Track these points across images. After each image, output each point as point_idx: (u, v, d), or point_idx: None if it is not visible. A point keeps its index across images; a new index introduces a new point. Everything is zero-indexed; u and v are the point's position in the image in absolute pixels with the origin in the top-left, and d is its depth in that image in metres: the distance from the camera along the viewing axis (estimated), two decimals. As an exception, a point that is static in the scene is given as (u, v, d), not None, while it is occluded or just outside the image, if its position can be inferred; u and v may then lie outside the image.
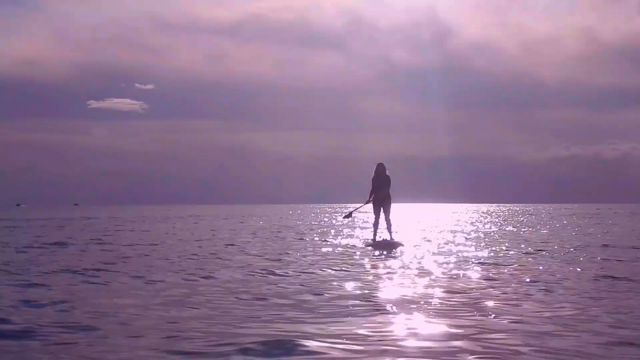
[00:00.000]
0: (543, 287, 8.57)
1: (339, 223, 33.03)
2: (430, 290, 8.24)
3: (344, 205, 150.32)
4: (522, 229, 26.03)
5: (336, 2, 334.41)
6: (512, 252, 14.02)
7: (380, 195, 16.12)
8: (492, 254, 13.72)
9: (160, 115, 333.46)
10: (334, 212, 66.16)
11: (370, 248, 15.20)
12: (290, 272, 10.45)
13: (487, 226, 29.64)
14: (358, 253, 13.96)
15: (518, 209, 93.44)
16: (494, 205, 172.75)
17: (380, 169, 16.26)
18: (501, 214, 59.24)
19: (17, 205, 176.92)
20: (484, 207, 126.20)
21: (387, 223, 16.31)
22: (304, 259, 12.68)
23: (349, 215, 20.44)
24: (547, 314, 6.68)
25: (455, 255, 13.19)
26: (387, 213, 16.29)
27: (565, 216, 47.55)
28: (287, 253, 14.02)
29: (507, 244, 16.53)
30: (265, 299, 7.71)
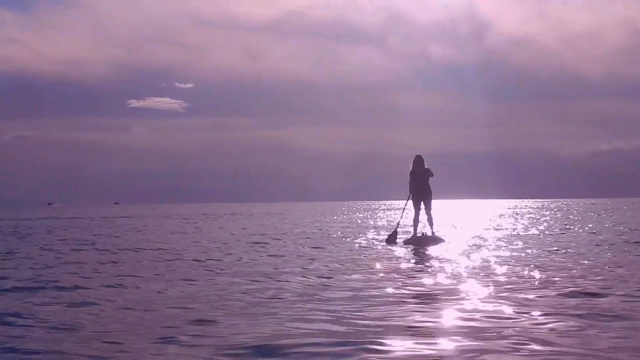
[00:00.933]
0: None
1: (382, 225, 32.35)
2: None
3: (383, 202, 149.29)
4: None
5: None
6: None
7: (419, 188, 15.49)
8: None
9: (199, 113, 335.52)
10: (376, 209, 65.40)
11: (410, 247, 14.56)
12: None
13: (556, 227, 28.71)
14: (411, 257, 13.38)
15: (569, 204, 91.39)
16: (534, 200, 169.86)
17: (419, 160, 15.60)
18: (554, 210, 57.72)
19: (49, 204, 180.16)
20: (525, 202, 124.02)
21: (428, 218, 15.68)
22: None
23: (394, 236, 15.95)
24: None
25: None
26: (427, 208, 15.65)
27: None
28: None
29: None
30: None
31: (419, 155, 15.68)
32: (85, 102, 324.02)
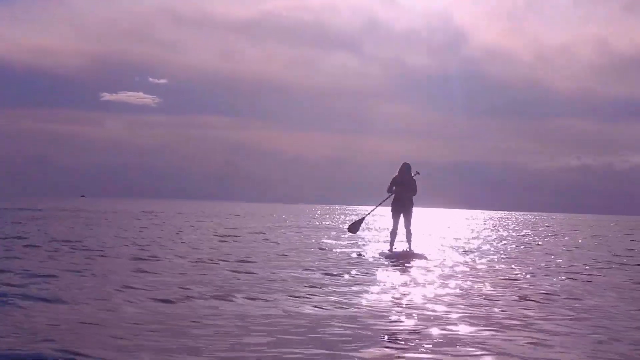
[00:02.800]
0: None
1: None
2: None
3: (355, 207, 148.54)
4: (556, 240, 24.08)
5: (352, 3, 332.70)
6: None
7: (401, 200, 14.22)
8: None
9: (172, 110, 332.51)
10: (348, 214, 64.35)
11: (387, 261, 13.30)
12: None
13: (527, 238, 27.68)
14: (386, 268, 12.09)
15: (532, 217, 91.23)
16: (504, 212, 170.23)
17: (406, 169, 14.33)
18: (521, 222, 57.13)
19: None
20: (494, 214, 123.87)
21: (407, 233, 14.40)
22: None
23: (357, 225, 15.90)
24: None
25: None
26: (407, 221, 14.35)
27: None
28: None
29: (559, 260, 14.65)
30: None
31: (407, 164, 14.38)
32: (57, 93, 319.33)
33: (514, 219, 73.55)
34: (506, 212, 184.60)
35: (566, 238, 28.44)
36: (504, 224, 51.35)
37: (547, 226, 48.10)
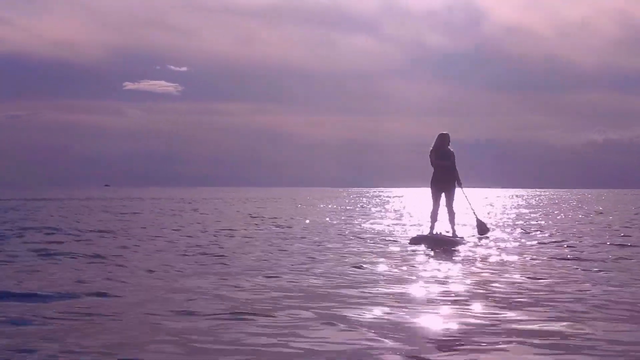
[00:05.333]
0: None
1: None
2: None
3: (379, 189, 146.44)
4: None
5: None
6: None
7: (443, 174, 12.38)
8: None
9: (194, 97, 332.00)
10: (371, 197, 62.55)
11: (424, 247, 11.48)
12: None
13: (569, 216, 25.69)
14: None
15: (563, 195, 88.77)
16: (529, 190, 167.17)
17: (444, 140, 12.45)
18: (556, 200, 54.93)
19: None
20: (520, 192, 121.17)
21: (449, 213, 12.56)
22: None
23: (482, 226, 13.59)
24: None
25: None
26: (449, 199, 12.50)
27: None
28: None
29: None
30: None
31: (446, 134, 12.49)
32: (80, 84, 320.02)
33: (555, 197, 71.21)
34: (533, 189, 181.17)
35: None
36: (549, 202, 49.18)
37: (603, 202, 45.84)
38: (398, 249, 11.26)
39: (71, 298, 6.37)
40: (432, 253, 10.63)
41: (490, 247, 11.51)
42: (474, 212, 13.78)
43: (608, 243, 12.44)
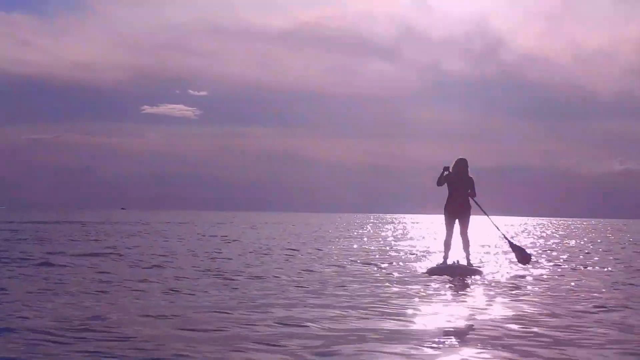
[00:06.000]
0: None
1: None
2: None
3: (396, 215, 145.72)
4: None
5: (388, 11, 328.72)
6: None
7: (457, 202, 11.78)
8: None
9: (213, 121, 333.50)
10: (386, 223, 61.78)
11: (440, 279, 10.84)
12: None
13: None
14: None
15: (585, 224, 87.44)
16: (546, 219, 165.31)
17: (462, 165, 11.87)
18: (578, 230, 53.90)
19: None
20: (538, 220, 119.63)
21: (463, 242, 11.93)
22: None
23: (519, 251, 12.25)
24: None
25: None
26: (464, 227, 11.88)
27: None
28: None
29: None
30: None
31: (464, 159, 11.90)
32: (100, 106, 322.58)
33: (573, 226, 70.07)
34: (551, 218, 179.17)
35: None
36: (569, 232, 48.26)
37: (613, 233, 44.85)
38: (418, 286, 9.84)
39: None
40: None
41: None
42: (508, 239, 12.67)
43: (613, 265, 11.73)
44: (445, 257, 11.90)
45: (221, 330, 6.03)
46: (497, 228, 12.55)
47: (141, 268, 11.92)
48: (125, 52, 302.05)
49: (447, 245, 11.95)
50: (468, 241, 11.95)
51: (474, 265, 11.98)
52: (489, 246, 19.98)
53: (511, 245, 12.41)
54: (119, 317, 6.58)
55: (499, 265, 13.25)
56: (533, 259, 13.29)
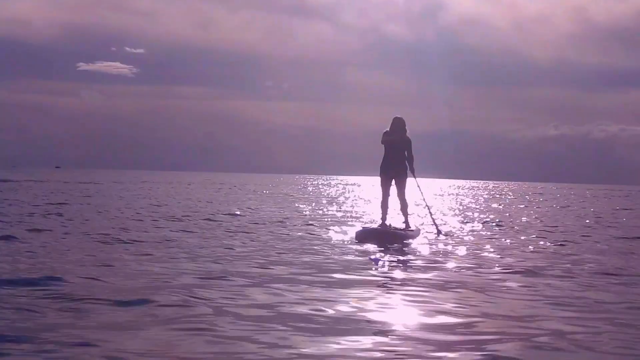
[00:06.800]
0: None
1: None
2: None
3: (331, 176, 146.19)
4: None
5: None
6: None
7: (393, 163, 11.35)
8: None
9: (149, 80, 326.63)
10: (322, 184, 61.66)
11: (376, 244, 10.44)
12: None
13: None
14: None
15: (515, 187, 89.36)
16: (481, 182, 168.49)
17: (399, 124, 11.38)
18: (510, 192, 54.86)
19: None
20: (471, 183, 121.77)
21: (401, 204, 11.60)
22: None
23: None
24: None
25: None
26: (401, 189, 11.49)
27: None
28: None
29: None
30: None
31: (400, 118, 11.45)
32: (33, 64, 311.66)
33: (501, 188, 71.39)
34: (485, 181, 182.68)
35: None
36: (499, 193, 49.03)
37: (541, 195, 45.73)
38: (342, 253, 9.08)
39: None
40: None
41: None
42: (430, 212, 13.42)
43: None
44: (383, 220, 11.55)
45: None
46: (424, 198, 12.74)
47: None
48: (61, 8, 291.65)
49: (384, 206, 11.59)
50: (406, 203, 11.61)
51: (411, 228, 11.66)
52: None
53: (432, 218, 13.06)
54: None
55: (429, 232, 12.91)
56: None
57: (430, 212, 13.44)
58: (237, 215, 15.84)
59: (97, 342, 4.00)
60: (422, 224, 13.53)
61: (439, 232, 12.04)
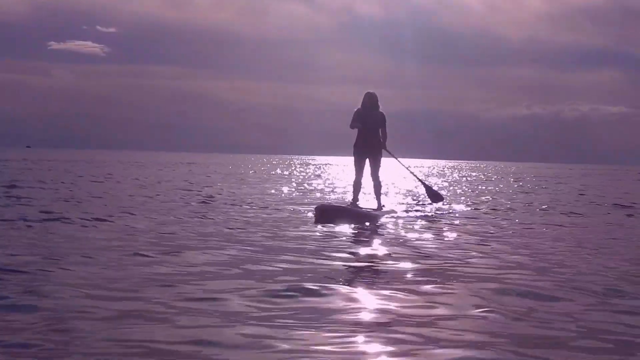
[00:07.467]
0: None
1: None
2: None
3: (304, 156, 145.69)
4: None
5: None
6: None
7: (367, 137, 10.98)
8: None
9: (121, 59, 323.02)
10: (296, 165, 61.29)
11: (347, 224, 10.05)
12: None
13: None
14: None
15: (484, 166, 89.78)
16: (454, 161, 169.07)
17: (371, 99, 11.01)
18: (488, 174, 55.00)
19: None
20: (444, 163, 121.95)
21: (374, 184, 11.30)
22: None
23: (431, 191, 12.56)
24: None
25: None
26: (374, 169, 11.23)
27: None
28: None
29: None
30: None
31: (373, 93, 11.09)
32: (3, 42, 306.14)
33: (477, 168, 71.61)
34: (457, 161, 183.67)
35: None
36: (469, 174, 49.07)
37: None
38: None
39: None
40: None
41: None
42: (421, 180, 13.37)
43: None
44: (355, 200, 11.25)
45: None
46: (410, 171, 12.54)
47: None
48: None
49: (357, 186, 11.27)
50: (380, 183, 11.33)
51: (384, 208, 11.37)
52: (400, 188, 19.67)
53: (424, 185, 12.93)
54: None
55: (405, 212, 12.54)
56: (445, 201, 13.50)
57: (421, 180, 13.40)
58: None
59: None
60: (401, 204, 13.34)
61: (435, 197, 12.46)
